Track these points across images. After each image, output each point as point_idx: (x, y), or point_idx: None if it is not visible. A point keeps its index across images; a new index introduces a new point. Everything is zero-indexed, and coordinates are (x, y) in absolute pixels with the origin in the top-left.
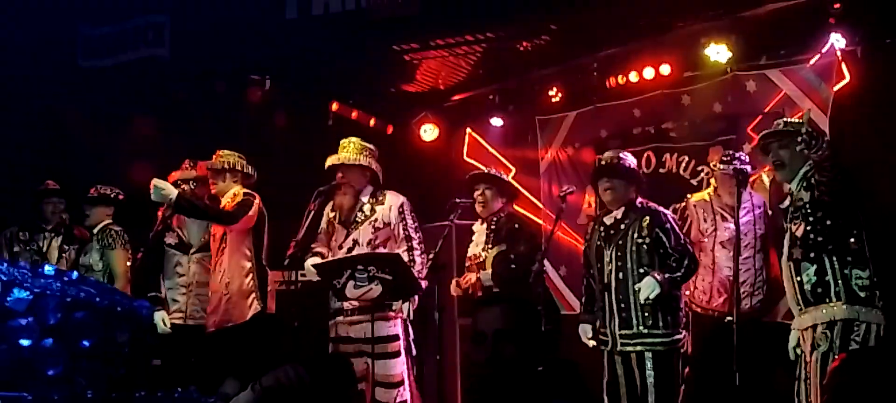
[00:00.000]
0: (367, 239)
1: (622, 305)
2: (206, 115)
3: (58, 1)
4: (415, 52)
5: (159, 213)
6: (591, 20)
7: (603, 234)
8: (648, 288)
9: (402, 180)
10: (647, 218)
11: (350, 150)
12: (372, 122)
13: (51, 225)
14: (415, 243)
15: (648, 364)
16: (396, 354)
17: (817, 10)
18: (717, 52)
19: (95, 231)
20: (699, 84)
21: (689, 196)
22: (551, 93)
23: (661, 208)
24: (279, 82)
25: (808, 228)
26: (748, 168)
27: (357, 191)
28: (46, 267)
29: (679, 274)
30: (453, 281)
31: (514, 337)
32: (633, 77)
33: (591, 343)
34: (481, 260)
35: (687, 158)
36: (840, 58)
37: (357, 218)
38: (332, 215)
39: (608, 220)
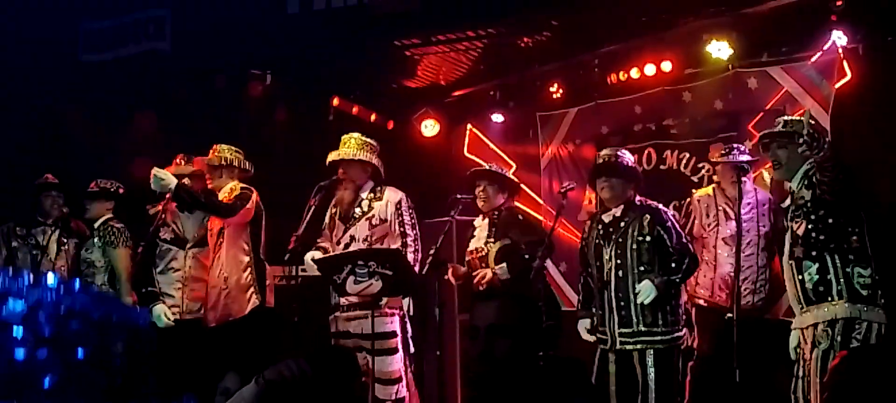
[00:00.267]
0: (364, 235)
1: (622, 303)
2: (206, 110)
3: None
4: (416, 47)
5: (149, 210)
6: (593, 16)
7: (601, 232)
8: (646, 292)
9: (402, 176)
10: (648, 216)
11: (351, 146)
12: (372, 118)
13: (51, 220)
14: (410, 240)
15: (649, 362)
16: (394, 350)
17: (819, 7)
18: (719, 49)
19: (96, 225)
20: (700, 81)
21: (693, 191)
22: (552, 89)
23: (660, 205)
24: (280, 77)
25: (810, 226)
26: (747, 157)
27: (357, 187)
28: (49, 276)
29: (678, 275)
30: (450, 269)
31: (509, 332)
32: (635, 73)
33: (591, 338)
34: (484, 254)
35: (688, 155)
36: (841, 55)
37: (355, 215)
38: (333, 211)
39: (607, 218)
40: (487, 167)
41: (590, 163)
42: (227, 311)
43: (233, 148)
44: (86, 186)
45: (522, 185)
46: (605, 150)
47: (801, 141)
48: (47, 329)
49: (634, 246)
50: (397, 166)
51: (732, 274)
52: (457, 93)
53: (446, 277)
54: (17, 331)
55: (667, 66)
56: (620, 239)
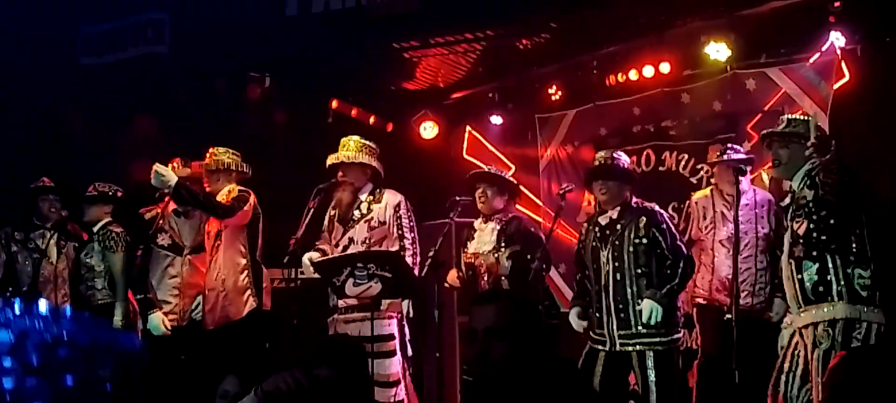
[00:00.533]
0: (363, 237)
1: (620, 305)
2: (205, 113)
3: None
4: (415, 49)
5: (145, 214)
6: (591, 18)
7: (598, 235)
8: (648, 312)
9: (401, 178)
10: (644, 218)
11: (350, 148)
12: (372, 120)
13: (49, 223)
14: (408, 243)
15: (649, 364)
16: (392, 353)
17: (817, 8)
18: (717, 51)
19: (95, 229)
20: (699, 82)
21: (692, 194)
22: (551, 91)
23: (656, 207)
24: (279, 80)
25: (812, 226)
26: (742, 155)
27: (356, 189)
28: (40, 303)
29: (676, 282)
30: (453, 271)
31: (507, 335)
32: (633, 75)
33: (582, 324)
34: (494, 261)
35: (686, 156)
36: (840, 56)
37: (354, 217)
38: (332, 213)
39: (603, 220)
40: (487, 169)
41: (588, 164)
42: (224, 314)
43: (230, 150)
44: (85, 188)
45: (521, 187)
46: (600, 153)
47: (808, 145)
48: (35, 357)
49: (631, 249)
50: (396, 168)
51: (730, 277)
52: (456, 95)
53: (446, 284)
54: (6, 361)
55: (665, 67)
56: (617, 242)
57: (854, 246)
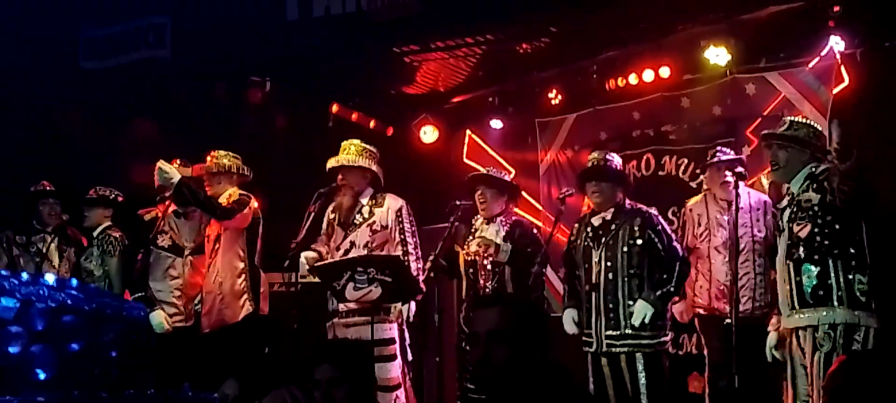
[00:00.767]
0: (364, 241)
1: (610, 306)
2: (206, 117)
3: (59, 2)
4: (415, 54)
5: (144, 216)
6: (591, 23)
7: (590, 235)
8: (640, 313)
9: (401, 182)
10: (639, 219)
11: (350, 152)
12: (372, 124)
13: (50, 227)
14: (410, 247)
15: (639, 366)
16: (392, 357)
17: (816, 13)
18: (717, 55)
19: (95, 233)
20: (698, 86)
21: (686, 201)
22: (551, 95)
23: (651, 210)
24: (279, 84)
25: (816, 230)
26: (732, 156)
27: (357, 193)
28: (47, 276)
29: (671, 285)
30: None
31: (509, 339)
32: (633, 79)
33: (575, 330)
34: (499, 263)
35: (686, 161)
36: (839, 61)
37: (355, 221)
38: (331, 216)
39: (596, 222)
40: (486, 172)
41: None
42: (220, 317)
43: (230, 154)
44: (85, 191)
45: (522, 191)
46: (593, 154)
47: (828, 157)
48: (40, 324)
49: (625, 249)
50: (396, 172)
51: (727, 283)
52: (456, 100)
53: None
54: (12, 327)
55: (665, 71)
56: (611, 242)
57: (854, 251)
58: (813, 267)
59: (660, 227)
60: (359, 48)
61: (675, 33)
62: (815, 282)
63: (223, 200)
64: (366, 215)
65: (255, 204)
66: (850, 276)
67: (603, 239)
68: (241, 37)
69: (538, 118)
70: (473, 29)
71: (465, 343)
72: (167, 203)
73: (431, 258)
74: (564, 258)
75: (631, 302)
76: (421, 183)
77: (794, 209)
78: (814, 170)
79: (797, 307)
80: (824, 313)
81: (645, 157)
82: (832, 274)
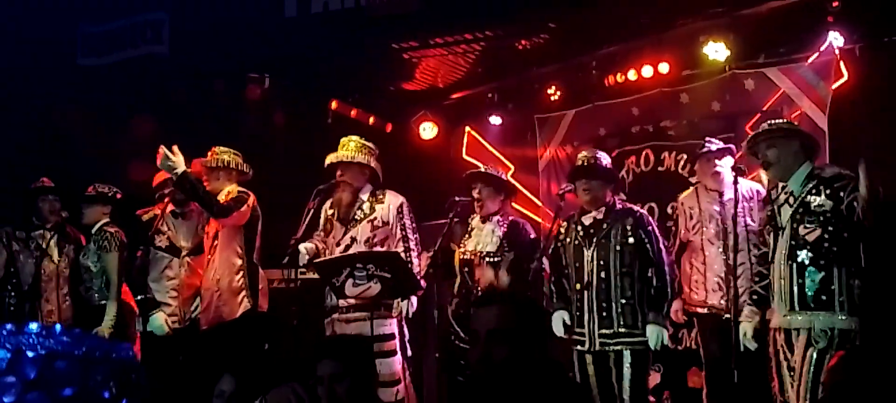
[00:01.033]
0: (365, 237)
1: (603, 305)
2: (205, 114)
3: (58, 1)
4: (414, 50)
5: (142, 216)
6: (590, 19)
7: (581, 234)
8: (656, 337)
9: (401, 179)
10: (631, 219)
11: (350, 148)
12: (371, 121)
13: (49, 224)
14: (412, 244)
15: (626, 364)
16: (393, 353)
17: (816, 8)
18: (716, 51)
19: (93, 230)
20: (698, 82)
21: (678, 195)
22: (550, 91)
23: (641, 209)
24: (278, 80)
25: (826, 236)
26: (720, 146)
27: (356, 189)
28: (31, 325)
29: (668, 298)
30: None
31: (509, 338)
32: (632, 75)
33: (563, 332)
34: (497, 262)
35: (685, 157)
36: (838, 56)
37: (356, 216)
38: (329, 212)
39: (587, 220)
40: (483, 169)
41: None
42: (218, 314)
43: (231, 150)
44: (84, 188)
45: (520, 187)
46: (582, 153)
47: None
48: (32, 372)
49: (618, 248)
50: (396, 169)
51: (722, 275)
52: (455, 96)
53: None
54: (6, 377)
55: (664, 67)
56: (603, 241)
57: (856, 257)
58: (818, 272)
59: (650, 228)
60: (358, 45)
61: (674, 29)
62: (817, 287)
63: (221, 197)
64: (367, 211)
65: (253, 200)
66: (851, 282)
67: (595, 239)
68: (239, 34)
69: (537, 114)
70: (472, 25)
71: (455, 338)
72: (166, 201)
73: (431, 254)
74: (552, 258)
75: (624, 301)
76: (420, 179)
77: (800, 210)
78: (818, 171)
79: (797, 308)
80: (823, 317)
81: (644, 153)
82: (835, 280)
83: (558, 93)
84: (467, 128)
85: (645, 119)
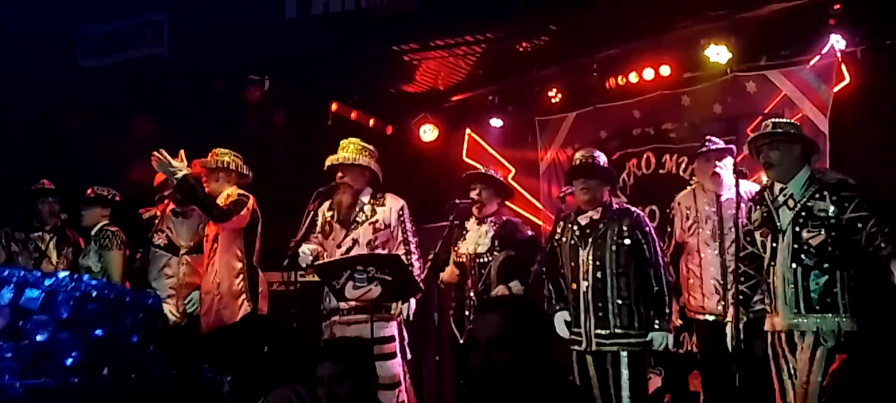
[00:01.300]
0: (367, 239)
1: (599, 305)
2: (204, 115)
3: (58, 1)
4: (414, 52)
5: (143, 214)
6: (591, 21)
7: (577, 233)
8: (662, 341)
9: (401, 181)
10: (628, 219)
11: (350, 150)
12: (371, 123)
13: (49, 226)
14: (412, 247)
15: (623, 364)
16: (392, 355)
17: (817, 11)
18: (717, 53)
19: (93, 232)
20: (699, 85)
21: (675, 195)
22: (551, 93)
23: (637, 210)
24: (278, 82)
25: (829, 241)
26: (721, 145)
27: (356, 191)
28: (60, 274)
29: (667, 302)
30: (450, 268)
31: (510, 344)
32: (633, 78)
33: (566, 333)
34: (485, 261)
35: (686, 159)
36: (840, 59)
37: (358, 219)
38: (328, 214)
39: (583, 220)
40: (483, 171)
41: None
42: (218, 317)
43: (232, 152)
44: (84, 190)
45: (521, 190)
46: (580, 152)
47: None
48: (65, 311)
49: (614, 248)
50: (396, 171)
51: (719, 278)
52: (455, 98)
53: (441, 283)
54: (38, 316)
55: (665, 70)
56: (599, 241)
57: (858, 260)
58: (822, 276)
59: (647, 229)
60: (358, 46)
61: (675, 31)
62: (822, 290)
63: (221, 200)
64: (368, 213)
65: (253, 203)
66: (853, 285)
67: (591, 238)
68: (239, 35)
69: (538, 116)
70: (473, 27)
71: (455, 341)
72: (166, 201)
73: (431, 257)
74: (548, 258)
75: (620, 302)
76: (420, 181)
77: (803, 214)
78: (819, 175)
79: (803, 311)
80: (830, 318)
81: (645, 156)
82: (838, 283)
83: (559, 95)
84: (468, 131)
85: (646, 121)
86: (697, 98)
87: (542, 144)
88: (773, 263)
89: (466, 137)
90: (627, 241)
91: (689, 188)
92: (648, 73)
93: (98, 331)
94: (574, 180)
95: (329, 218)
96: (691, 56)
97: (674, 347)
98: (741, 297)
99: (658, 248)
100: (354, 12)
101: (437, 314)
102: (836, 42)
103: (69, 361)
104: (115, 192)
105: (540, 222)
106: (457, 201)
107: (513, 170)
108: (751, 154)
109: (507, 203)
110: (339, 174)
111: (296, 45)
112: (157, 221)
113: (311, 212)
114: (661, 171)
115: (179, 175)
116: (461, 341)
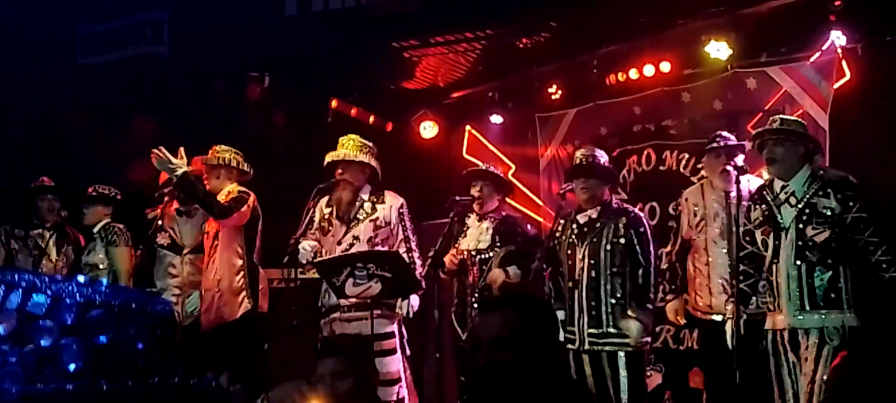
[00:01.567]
0: (368, 236)
1: (592, 303)
2: (205, 113)
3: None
4: (414, 49)
5: (148, 214)
6: (591, 17)
7: (575, 231)
8: (638, 334)
9: (401, 178)
10: (624, 218)
11: (349, 147)
12: (371, 120)
13: (49, 223)
14: (413, 244)
15: (621, 364)
16: (393, 351)
17: (818, 7)
18: (718, 50)
19: (96, 229)
20: (699, 81)
21: (683, 191)
22: (551, 90)
23: (638, 211)
24: (278, 79)
25: (832, 237)
26: (733, 141)
27: (356, 188)
28: (78, 277)
29: (652, 299)
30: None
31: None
32: (634, 74)
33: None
34: (487, 257)
35: (687, 156)
36: (840, 55)
37: (358, 216)
38: (327, 211)
39: (582, 219)
40: (483, 167)
41: None
42: (219, 314)
43: (232, 149)
44: (85, 188)
45: (521, 186)
46: (580, 151)
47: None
48: (70, 318)
49: (608, 247)
50: (396, 168)
51: (727, 277)
52: (455, 95)
53: (443, 272)
54: (44, 322)
55: (665, 66)
56: (595, 239)
57: (859, 257)
58: (826, 272)
59: (642, 229)
60: (358, 43)
61: (675, 28)
62: (825, 286)
63: (221, 197)
64: (368, 210)
65: (253, 200)
66: (855, 280)
67: (587, 237)
68: (239, 33)
69: (538, 113)
70: (473, 24)
71: (457, 339)
72: (169, 201)
73: (431, 254)
74: (549, 255)
75: (613, 301)
76: (421, 178)
77: (806, 211)
78: (821, 173)
79: (808, 308)
80: (834, 315)
81: (646, 152)
82: (841, 280)
83: (559, 92)
84: (468, 128)
85: (646, 118)
86: (698, 94)
87: (542, 141)
88: (775, 261)
89: (466, 134)
90: (622, 241)
91: (697, 184)
92: (649, 70)
93: (102, 338)
94: (574, 179)
95: (327, 215)
96: (691, 52)
97: (674, 344)
98: (740, 296)
99: (651, 249)
100: (354, 9)
101: (437, 311)
102: (837, 38)
103: (72, 368)
104: (117, 191)
105: (540, 219)
106: (457, 198)
107: (513, 167)
108: (754, 148)
109: (508, 199)
110: (339, 171)
111: (296, 43)
112: (158, 221)
113: (311, 209)
114: (661, 168)
115: (179, 172)
116: (463, 338)
